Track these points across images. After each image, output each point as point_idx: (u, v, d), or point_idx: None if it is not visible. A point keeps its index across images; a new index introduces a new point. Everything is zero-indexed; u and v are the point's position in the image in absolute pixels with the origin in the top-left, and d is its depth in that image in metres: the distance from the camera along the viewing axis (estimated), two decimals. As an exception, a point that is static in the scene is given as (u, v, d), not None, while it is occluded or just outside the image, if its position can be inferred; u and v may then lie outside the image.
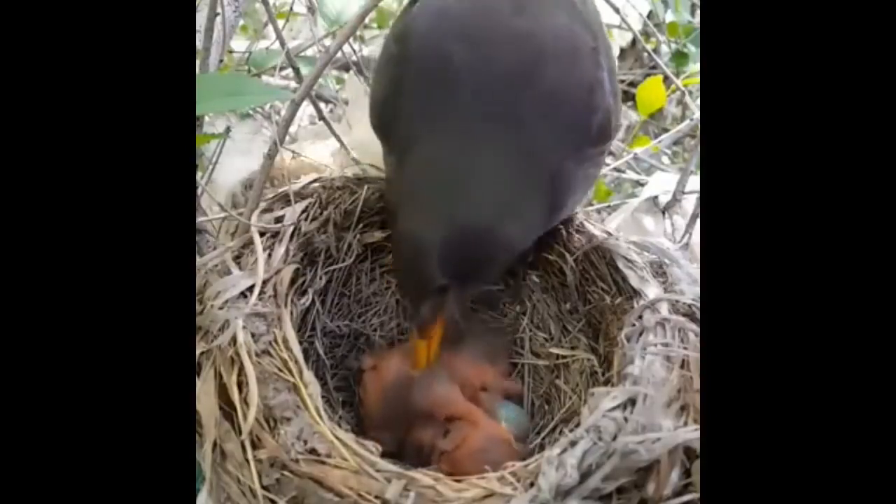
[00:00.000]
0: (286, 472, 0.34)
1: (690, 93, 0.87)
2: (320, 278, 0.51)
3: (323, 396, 0.40)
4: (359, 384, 0.52)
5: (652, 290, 0.46)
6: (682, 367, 0.39)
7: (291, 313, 0.44)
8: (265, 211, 0.49)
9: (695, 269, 0.47)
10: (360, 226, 0.54)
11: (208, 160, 0.62)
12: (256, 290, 0.42)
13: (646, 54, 1.05)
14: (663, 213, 0.68)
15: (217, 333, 0.39)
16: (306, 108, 0.87)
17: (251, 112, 0.93)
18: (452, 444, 0.46)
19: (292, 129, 0.84)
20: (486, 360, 0.55)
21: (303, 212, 0.50)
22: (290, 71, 0.68)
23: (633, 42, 1.19)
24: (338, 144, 0.63)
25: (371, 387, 0.51)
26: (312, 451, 0.35)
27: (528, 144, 0.42)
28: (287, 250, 0.46)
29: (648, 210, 0.69)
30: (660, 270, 0.48)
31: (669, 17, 1.01)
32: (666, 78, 0.81)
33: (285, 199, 0.50)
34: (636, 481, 0.34)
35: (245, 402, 0.37)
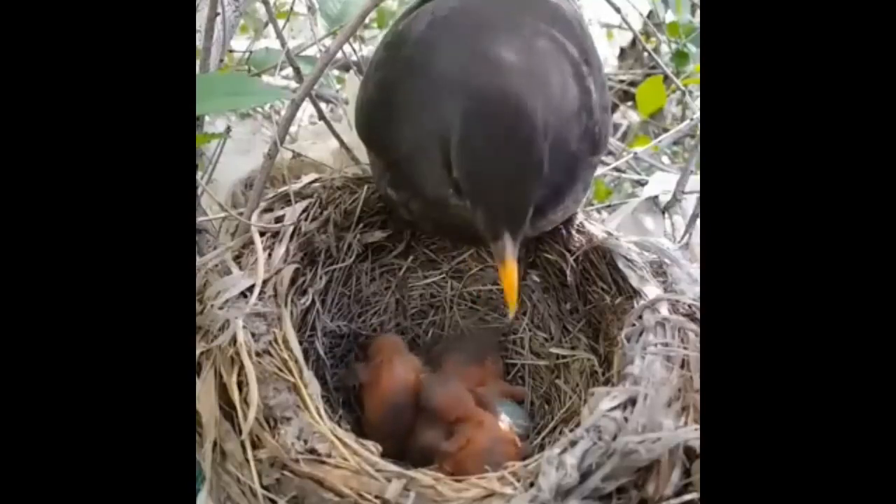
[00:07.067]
0: (286, 472, 0.34)
1: (690, 93, 0.87)
2: (320, 278, 0.51)
3: (323, 396, 0.40)
4: (358, 397, 0.51)
5: (652, 290, 0.45)
6: (682, 367, 0.39)
7: (291, 313, 0.44)
8: (265, 211, 0.49)
9: (695, 269, 0.47)
10: (360, 226, 0.54)
11: (208, 160, 0.62)
12: (256, 290, 0.42)
13: (646, 54, 1.05)
14: (663, 213, 0.68)
15: (217, 333, 0.39)
16: (306, 108, 0.87)
17: (251, 112, 0.93)
18: (456, 445, 0.45)
19: (292, 129, 0.84)
20: (477, 359, 0.55)
21: (303, 212, 0.50)
22: (290, 71, 0.68)
23: (633, 42, 1.18)
24: (338, 144, 0.63)
25: (373, 399, 0.49)
26: (312, 451, 0.35)
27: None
28: (287, 250, 0.46)
29: (648, 210, 0.69)
30: (660, 270, 0.48)
31: (669, 17, 1.01)
32: (666, 78, 0.81)
33: (285, 199, 0.50)
34: (636, 481, 0.34)
35: (245, 401, 0.37)
